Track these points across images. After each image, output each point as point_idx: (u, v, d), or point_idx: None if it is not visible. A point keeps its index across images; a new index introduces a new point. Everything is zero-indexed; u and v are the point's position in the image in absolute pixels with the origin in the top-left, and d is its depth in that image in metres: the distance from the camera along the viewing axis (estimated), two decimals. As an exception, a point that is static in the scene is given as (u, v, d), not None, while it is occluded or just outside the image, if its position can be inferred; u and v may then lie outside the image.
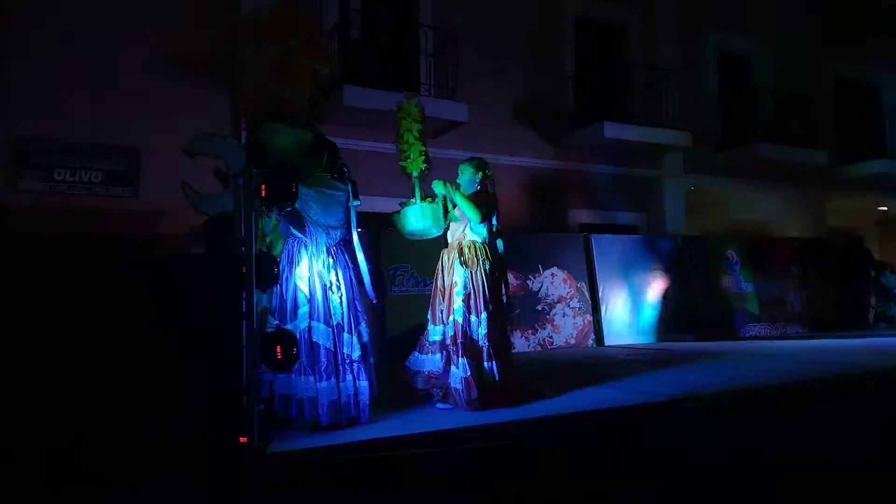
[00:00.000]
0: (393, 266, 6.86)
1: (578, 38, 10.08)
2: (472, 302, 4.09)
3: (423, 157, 4.33)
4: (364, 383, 3.68)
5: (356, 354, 3.70)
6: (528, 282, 7.67)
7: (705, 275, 8.83)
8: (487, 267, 4.16)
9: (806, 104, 11.53)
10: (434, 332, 4.17)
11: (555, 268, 7.81)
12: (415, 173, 4.31)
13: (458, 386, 3.93)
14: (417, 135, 4.33)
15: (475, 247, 4.21)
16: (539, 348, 7.51)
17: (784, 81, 11.74)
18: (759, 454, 3.49)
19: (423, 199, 4.27)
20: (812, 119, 11.68)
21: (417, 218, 4.27)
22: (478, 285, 4.10)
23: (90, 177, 7.11)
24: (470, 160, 4.44)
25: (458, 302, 4.08)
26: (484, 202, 4.27)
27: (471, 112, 8.24)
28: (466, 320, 4.06)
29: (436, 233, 4.40)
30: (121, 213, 7.20)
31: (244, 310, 3.03)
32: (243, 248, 3.08)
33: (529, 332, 7.55)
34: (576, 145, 9.67)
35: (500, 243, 4.36)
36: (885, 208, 13.57)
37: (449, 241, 4.39)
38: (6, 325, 2.92)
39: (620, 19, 10.53)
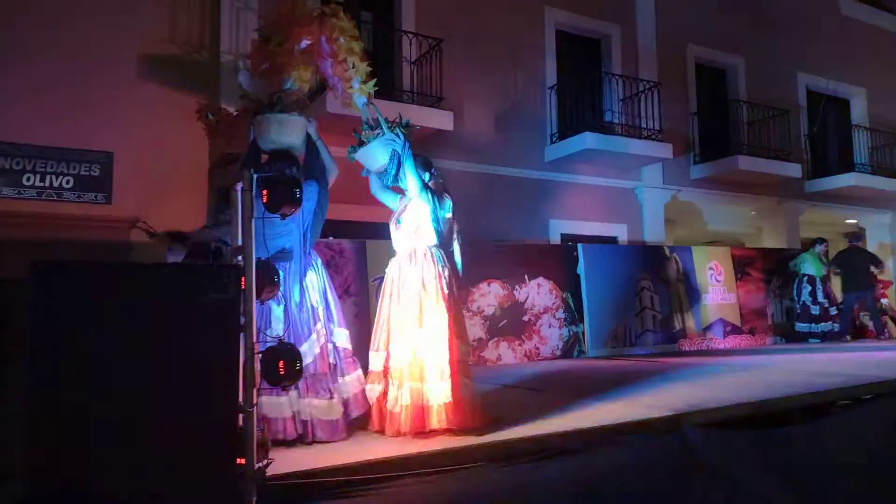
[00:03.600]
0: (379, 276, 6.66)
1: (560, 50, 10.08)
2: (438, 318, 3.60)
3: (372, 81, 3.81)
4: (301, 400, 3.42)
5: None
6: (514, 292, 7.55)
7: (690, 285, 8.83)
8: (447, 275, 3.68)
9: (781, 117, 11.70)
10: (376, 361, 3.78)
11: (541, 278, 7.71)
12: (364, 100, 3.80)
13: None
14: (361, 53, 3.73)
15: (431, 253, 3.71)
16: (526, 360, 7.39)
17: (760, 94, 11.90)
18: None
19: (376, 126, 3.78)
20: (787, 132, 11.86)
21: (385, 150, 3.78)
22: (444, 299, 3.62)
23: (61, 182, 6.82)
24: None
25: (422, 320, 3.58)
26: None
27: (454, 121, 8.15)
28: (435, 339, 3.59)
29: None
30: (93, 220, 6.92)
31: (242, 322, 2.87)
32: (241, 258, 2.92)
33: (517, 343, 7.43)
34: (557, 155, 9.63)
35: (455, 248, 3.85)
36: (854, 221, 13.84)
37: (397, 249, 3.86)
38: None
39: (601, 31, 10.57)
